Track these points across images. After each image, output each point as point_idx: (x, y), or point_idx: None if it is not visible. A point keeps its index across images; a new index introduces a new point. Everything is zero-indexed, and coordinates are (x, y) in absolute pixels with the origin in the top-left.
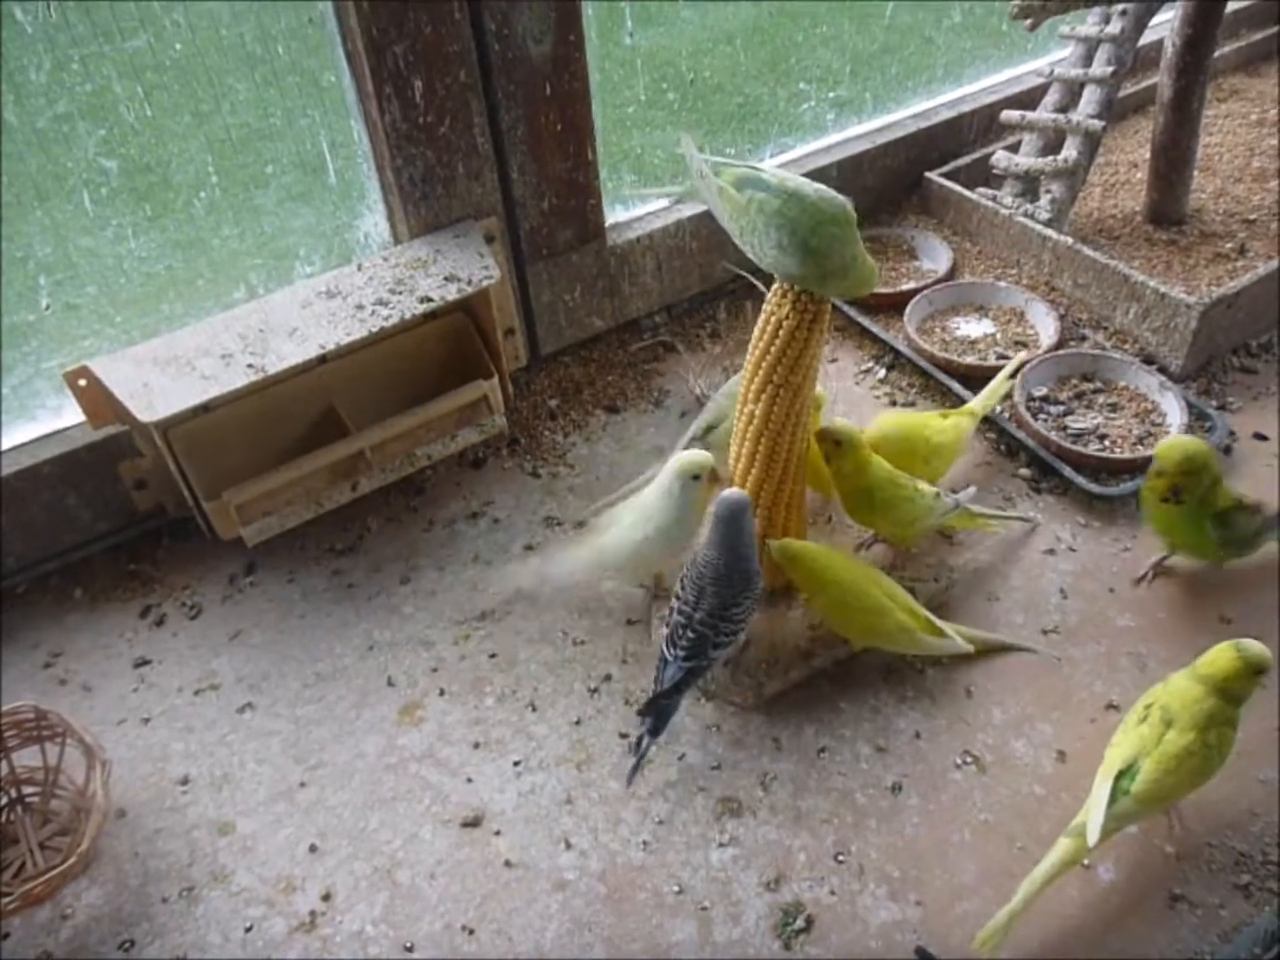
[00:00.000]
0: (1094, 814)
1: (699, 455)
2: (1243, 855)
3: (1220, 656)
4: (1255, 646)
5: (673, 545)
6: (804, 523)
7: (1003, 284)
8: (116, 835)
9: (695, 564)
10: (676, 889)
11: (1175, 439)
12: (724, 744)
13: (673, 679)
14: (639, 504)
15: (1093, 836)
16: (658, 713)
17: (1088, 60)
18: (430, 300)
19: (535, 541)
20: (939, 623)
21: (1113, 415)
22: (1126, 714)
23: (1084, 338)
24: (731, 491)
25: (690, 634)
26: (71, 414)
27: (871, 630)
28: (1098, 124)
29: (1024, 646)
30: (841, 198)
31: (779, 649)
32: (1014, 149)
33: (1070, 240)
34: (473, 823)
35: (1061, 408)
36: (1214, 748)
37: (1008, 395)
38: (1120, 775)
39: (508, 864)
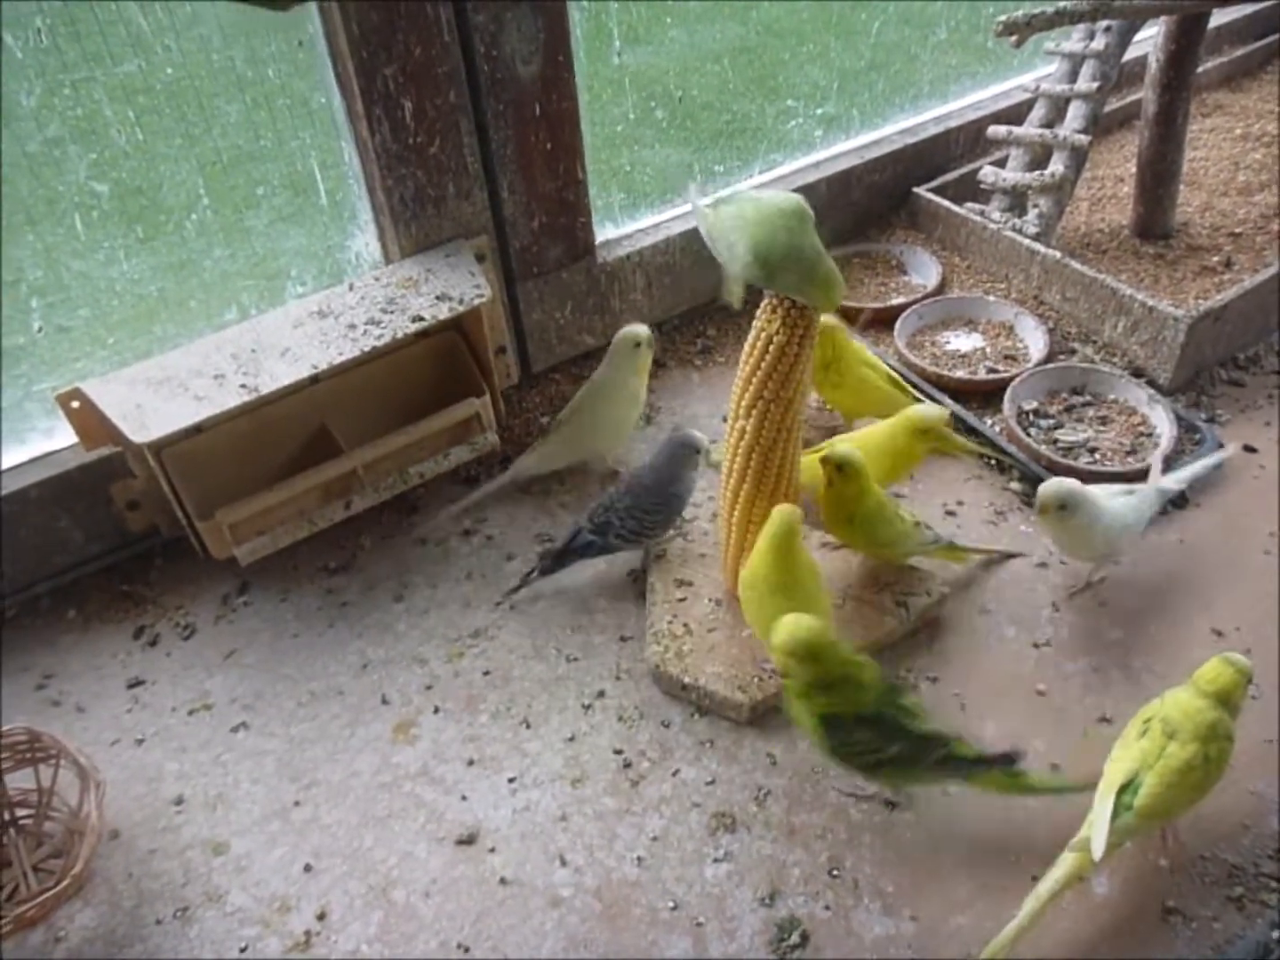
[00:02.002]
0: (1098, 829)
1: (639, 327)
2: (1235, 868)
3: (1221, 672)
4: (1241, 658)
5: (624, 410)
6: None
7: (991, 298)
8: (110, 856)
9: (634, 471)
10: (671, 905)
11: (791, 620)
12: (718, 759)
13: (575, 541)
14: (587, 388)
15: (1098, 851)
16: (555, 561)
17: (1073, 76)
18: (422, 319)
19: (528, 558)
20: None
21: (1103, 428)
22: (1124, 728)
23: (1073, 351)
24: (690, 431)
25: (602, 515)
26: (64, 436)
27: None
28: (1084, 139)
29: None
30: (797, 196)
31: (773, 663)
32: (1001, 164)
33: (1058, 254)
34: (467, 840)
35: (1051, 421)
36: (1213, 761)
37: (998, 410)
38: (1122, 790)
39: (503, 881)
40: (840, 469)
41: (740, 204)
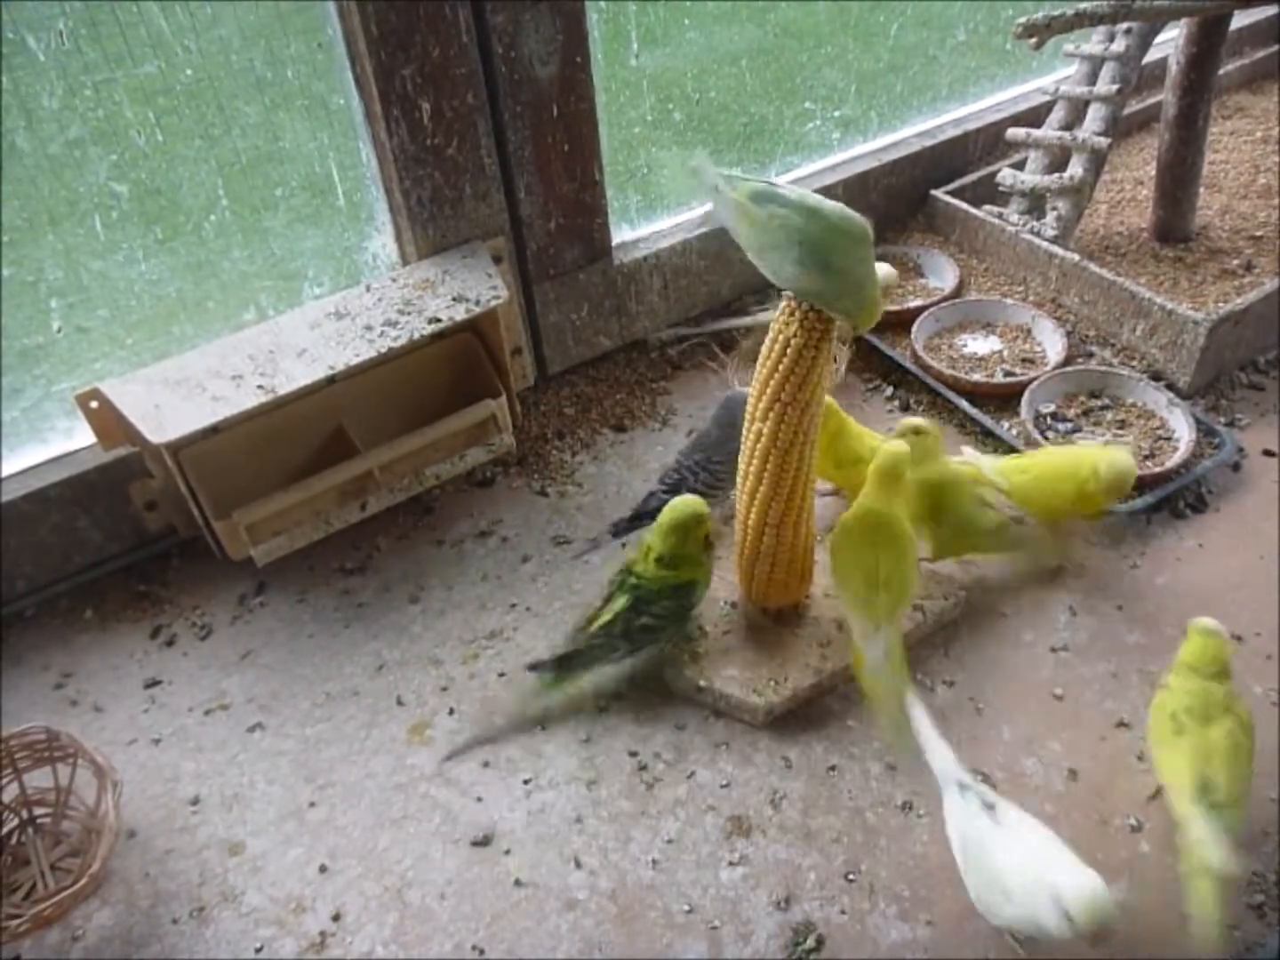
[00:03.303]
0: (1213, 843)
1: None
2: (1256, 875)
3: (1207, 645)
4: (1209, 621)
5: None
6: (813, 538)
7: (1009, 301)
8: (127, 856)
9: (698, 434)
10: (686, 908)
11: (687, 499)
12: (733, 762)
13: (649, 504)
14: None
15: (1228, 863)
16: (628, 524)
17: (1092, 78)
18: (439, 321)
19: (545, 560)
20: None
21: (1121, 432)
22: (1149, 731)
23: (1091, 354)
24: (742, 389)
25: (676, 474)
26: (82, 436)
27: (843, 580)
28: (1103, 141)
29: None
30: (861, 217)
31: (788, 666)
32: (1019, 166)
33: (1076, 257)
34: (482, 842)
35: (1069, 424)
36: (1246, 726)
37: (1016, 412)
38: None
39: (518, 883)
40: (917, 432)
41: (794, 210)
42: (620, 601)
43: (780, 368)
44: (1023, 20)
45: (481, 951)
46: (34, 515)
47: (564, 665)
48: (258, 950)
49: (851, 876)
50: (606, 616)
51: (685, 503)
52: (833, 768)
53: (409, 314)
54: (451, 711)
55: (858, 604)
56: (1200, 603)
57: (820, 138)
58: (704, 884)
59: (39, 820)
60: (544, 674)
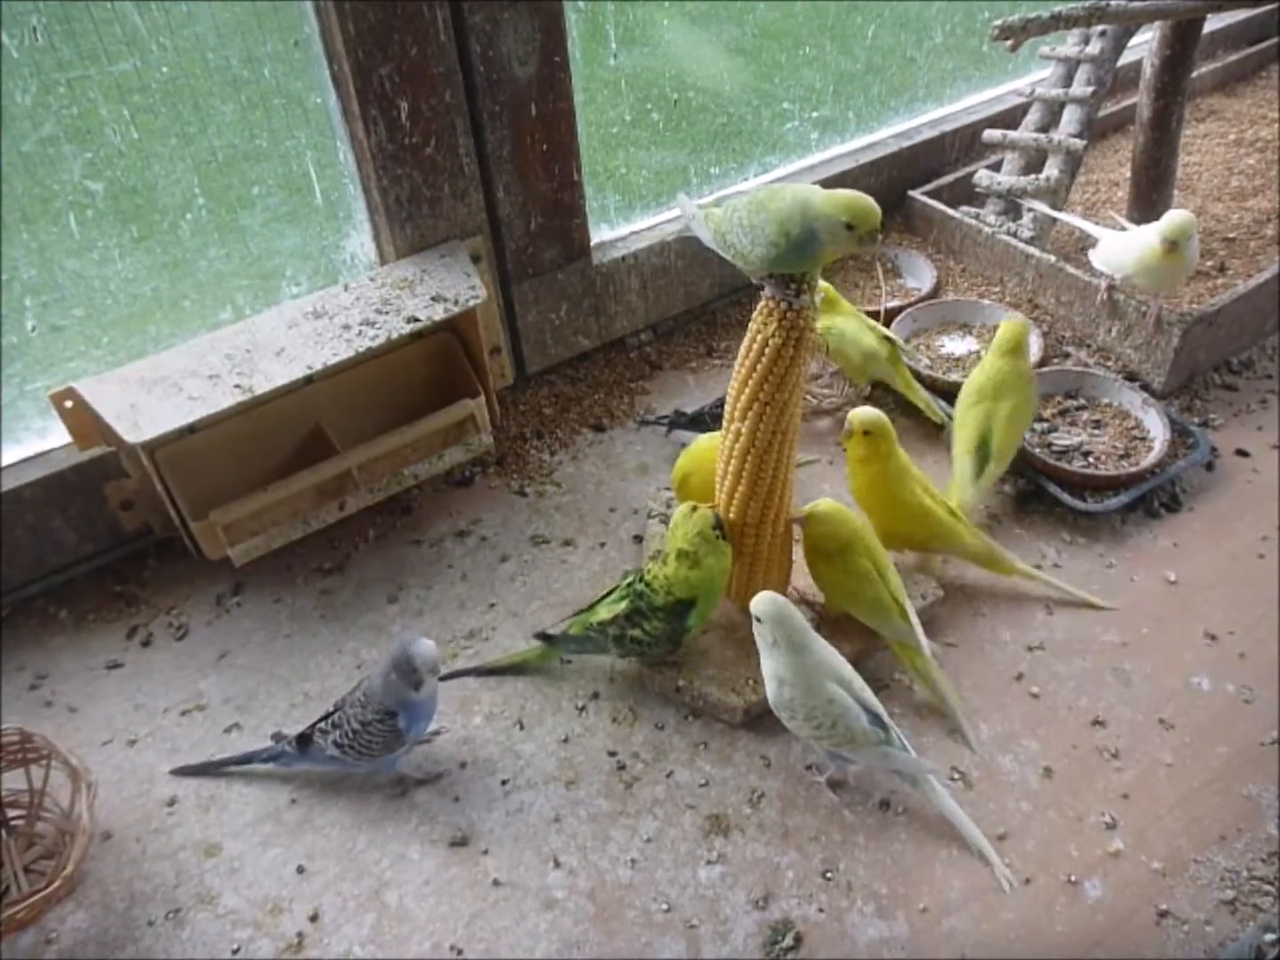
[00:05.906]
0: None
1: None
2: (1228, 871)
3: (1007, 328)
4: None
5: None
6: (790, 539)
7: (986, 302)
8: (102, 858)
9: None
10: (665, 907)
11: (704, 509)
12: (712, 761)
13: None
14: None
15: (966, 496)
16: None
17: (1068, 80)
18: (417, 320)
19: (523, 559)
20: (916, 624)
21: (1097, 432)
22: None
23: (1067, 355)
24: (415, 643)
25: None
26: (57, 436)
27: (852, 595)
28: (1078, 143)
29: (964, 735)
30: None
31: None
32: (996, 168)
33: (1053, 258)
34: (461, 842)
35: (1045, 425)
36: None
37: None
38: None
39: (496, 883)
40: (866, 433)
41: (751, 195)
42: (621, 605)
43: (759, 368)
44: (999, 22)
45: (459, 951)
46: (9, 515)
47: (552, 643)
48: (234, 952)
49: (829, 874)
50: (605, 614)
51: (699, 513)
52: (810, 766)
53: (387, 313)
54: None
55: (876, 610)
56: (1174, 601)
57: (798, 138)
58: (682, 883)
59: (12, 822)
60: (538, 643)
